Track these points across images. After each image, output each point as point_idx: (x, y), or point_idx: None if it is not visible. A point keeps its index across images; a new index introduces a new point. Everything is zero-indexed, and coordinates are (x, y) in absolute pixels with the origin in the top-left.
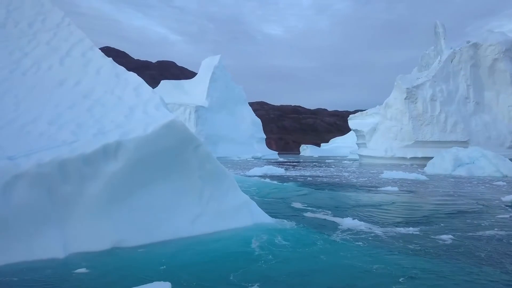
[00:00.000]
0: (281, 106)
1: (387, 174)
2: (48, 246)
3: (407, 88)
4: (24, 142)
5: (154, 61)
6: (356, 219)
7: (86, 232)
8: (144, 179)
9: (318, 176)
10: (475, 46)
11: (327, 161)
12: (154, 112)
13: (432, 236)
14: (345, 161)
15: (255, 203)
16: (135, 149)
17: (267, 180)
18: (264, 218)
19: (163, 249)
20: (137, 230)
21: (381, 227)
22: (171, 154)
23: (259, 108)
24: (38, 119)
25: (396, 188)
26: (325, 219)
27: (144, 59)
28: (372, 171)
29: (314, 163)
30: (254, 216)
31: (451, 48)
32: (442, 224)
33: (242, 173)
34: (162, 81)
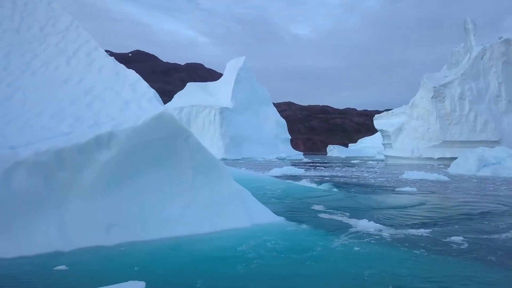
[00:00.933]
0: (309, 106)
1: (408, 175)
2: (45, 228)
3: (434, 87)
4: (26, 134)
5: (183, 63)
6: (366, 221)
7: (81, 216)
8: (136, 167)
9: (337, 176)
10: (507, 42)
11: (352, 161)
12: (147, 105)
13: (442, 239)
14: (370, 162)
15: (250, 193)
16: (126, 139)
17: (289, 181)
18: (263, 213)
19: (145, 248)
20: (129, 215)
21: (391, 229)
22: (162, 145)
23: (287, 109)
24: (41, 114)
25: (414, 189)
26: (332, 219)
27: (173, 62)
28: (394, 172)
29: (337, 164)
30: (251, 210)
31: (481, 45)
32: (456, 226)
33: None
34: (188, 84)
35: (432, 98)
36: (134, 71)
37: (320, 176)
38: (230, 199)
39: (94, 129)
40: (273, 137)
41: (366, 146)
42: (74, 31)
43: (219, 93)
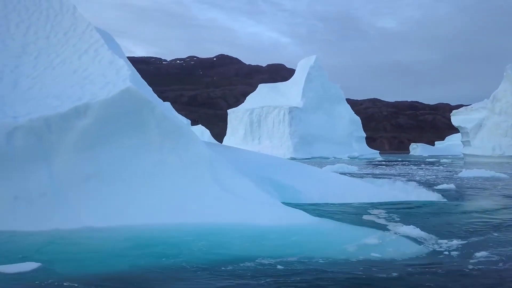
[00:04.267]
0: (396, 102)
1: (464, 173)
2: (38, 176)
3: None
4: (31, 108)
5: (264, 65)
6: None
7: (65, 169)
8: (110, 132)
9: (385, 174)
10: None
11: (427, 160)
12: (121, 84)
13: (460, 257)
14: (444, 160)
15: (224, 161)
16: (99, 109)
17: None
18: (252, 192)
19: (70, 234)
20: (104, 169)
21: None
22: (131, 115)
23: (371, 106)
24: (48, 96)
25: (452, 185)
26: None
27: (255, 64)
28: (455, 169)
29: (404, 162)
30: (225, 180)
31: None
32: (491, 235)
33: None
34: (259, 85)
35: None
36: (123, 60)
37: (369, 173)
38: (197, 163)
39: (76, 102)
40: (346, 136)
41: (454, 144)
42: (89, 33)
43: (289, 93)
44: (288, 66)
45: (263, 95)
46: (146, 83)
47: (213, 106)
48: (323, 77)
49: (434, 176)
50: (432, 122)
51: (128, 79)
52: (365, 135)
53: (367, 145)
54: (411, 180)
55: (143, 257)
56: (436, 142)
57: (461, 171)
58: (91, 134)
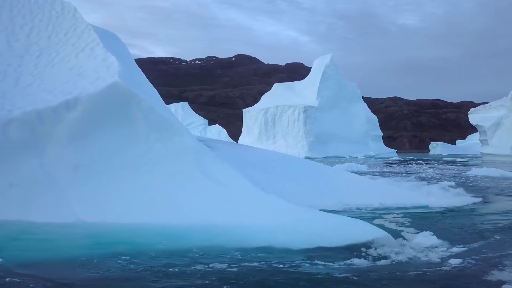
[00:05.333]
0: (418, 100)
1: (473, 172)
2: (31, 165)
3: None
4: (27, 103)
5: (283, 64)
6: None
7: (56, 158)
8: (98, 124)
9: (391, 172)
10: None
11: (443, 159)
12: (109, 79)
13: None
14: (460, 159)
15: (212, 153)
16: (88, 102)
17: None
18: (241, 184)
19: (38, 229)
20: (92, 159)
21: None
22: (118, 107)
23: (392, 104)
24: (43, 91)
25: (452, 184)
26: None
27: (274, 63)
28: (467, 168)
29: (417, 161)
30: (213, 172)
31: None
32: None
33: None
34: (274, 84)
35: None
36: (114, 57)
37: (377, 171)
38: (182, 154)
39: (67, 96)
40: (362, 135)
41: (474, 142)
42: (87, 33)
43: (305, 92)
44: (307, 64)
45: (278, 95)
46: (147, 79)
47: (232, 105)
48: (338, 75)
49: (440, 175)
50: (456, 120)
51: (117, 74)
52: (382, 134)
53: (387, 144)
54: (413, 179)
55: (100, 257)
56: (457, 141)
57: (471, 169)
58: (80, 126)
